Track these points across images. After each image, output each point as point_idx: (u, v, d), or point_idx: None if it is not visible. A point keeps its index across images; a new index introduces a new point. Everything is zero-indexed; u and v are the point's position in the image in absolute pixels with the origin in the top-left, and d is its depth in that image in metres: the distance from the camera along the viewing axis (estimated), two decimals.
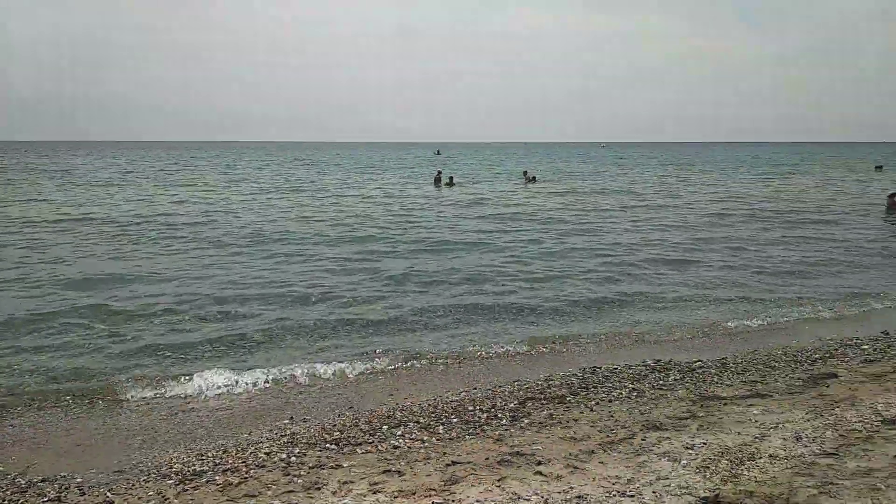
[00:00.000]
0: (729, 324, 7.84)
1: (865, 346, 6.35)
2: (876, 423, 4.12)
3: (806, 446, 3.82)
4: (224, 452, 4.34)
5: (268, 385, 5.92)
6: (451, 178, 32.34)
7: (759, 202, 23.11)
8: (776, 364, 5.89)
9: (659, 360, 6.27)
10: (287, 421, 5.05)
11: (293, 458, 4.15)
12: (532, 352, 6.89)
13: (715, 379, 5.55)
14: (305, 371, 6.18)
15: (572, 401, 5.16)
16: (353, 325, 7.82)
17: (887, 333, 6.92)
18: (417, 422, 4.85)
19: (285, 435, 4.67)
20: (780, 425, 4.21)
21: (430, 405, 5.26)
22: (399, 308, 8.52)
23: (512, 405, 5.11)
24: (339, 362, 6.43)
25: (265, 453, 4.26)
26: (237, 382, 5.90)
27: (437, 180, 31.97)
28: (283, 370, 6.18)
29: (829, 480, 3.33)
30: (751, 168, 51.76)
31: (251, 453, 4.29)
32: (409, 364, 6.54)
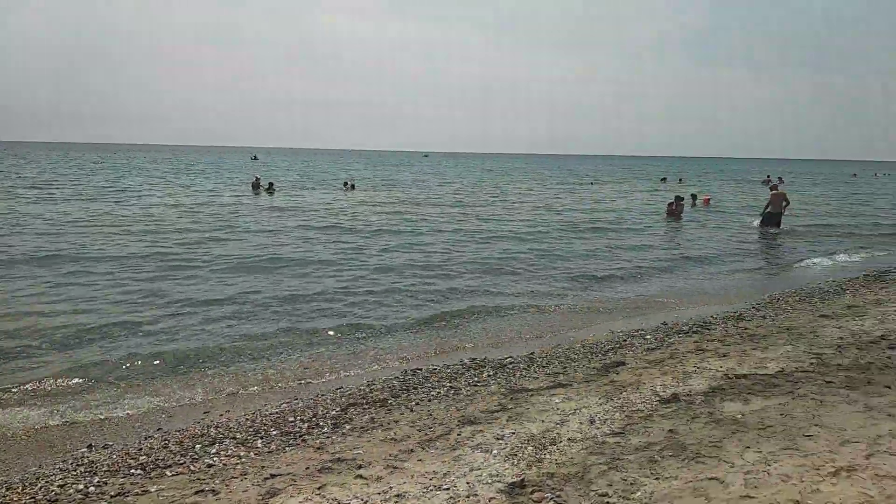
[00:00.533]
0: (538, 322, 8.52)
1: (648, 336, 7.21)
2: (655, 403, 4.70)
3: (598, 428, 4.26)
4: (8, 490, 3.84)
5: (60, 412, 5.33)
6: (270, 183, 31.39)
7: (569, 210, 25.26)
8: (575, 356, 6.49)
9: (475, 359, 6.62)
10: (85, 450, 4.58)
11: (92, 489, 3.78)
12: (356, 360, 6.92)
13: (523, 372, 5.98)
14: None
15: (393, 403, 5.26)
16: (164, 343, 7.30)
17: (666, 324, 7.92)
18: (234, 437, 4.66)
19: (83, 464, 4.23)
20: (578, 411, 4.64)
21: (248, 420, 5.07)
22: (215, 326, 8.08)
23: (334, 412, 5.09)
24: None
25: (59, 486, 3.83)
26: (22, 412, 5.23)
27: (255, 186, 30.86)
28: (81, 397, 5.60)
29: (616, 456, 3.75)
30: (563, 178, 56.56)
31: (41, 487, 3.83)
32: (226, 380, 6.26)
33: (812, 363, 5.44)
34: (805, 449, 3.65)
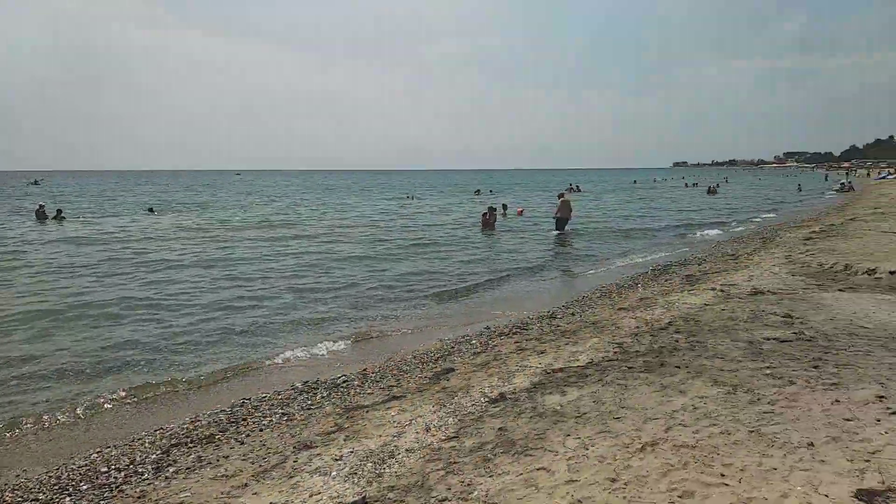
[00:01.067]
0: (368, 337, 8.55)
1: (474, 341, 7.56)
2: (484, 404, 4.94)
3: (434, 435, 4.39)
4: None
5: None
6: (58, 210, 28.13)
7: (393, 227, 25.63)
8: (408, 367, 6.62)
9: (307, 381, 6.48)
10: None
11: None
12: (174, 398, 6.42)
13: (358, 390, 5.98)
14: None
15: (222, 438, 4.98)
16: None
17: (488, 328, 8.35)
18: (36, 499, 4.12)
19: None
20: (413, 421, 4.74)
21: (51, 477, 4.50)
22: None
23: (154, 456, 4.70)
24: None
25: None
26: None
27: (40, 214, 27.44)
28: None
29: (452, 460, 3.89)
30: (382, 192, 57.21)
31: None
32: (16, 432, 5.51)
33: (615, 352, 6.06)
34: (616, 430, 4.07)
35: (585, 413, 4.43)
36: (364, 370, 6.73)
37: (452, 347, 7.35)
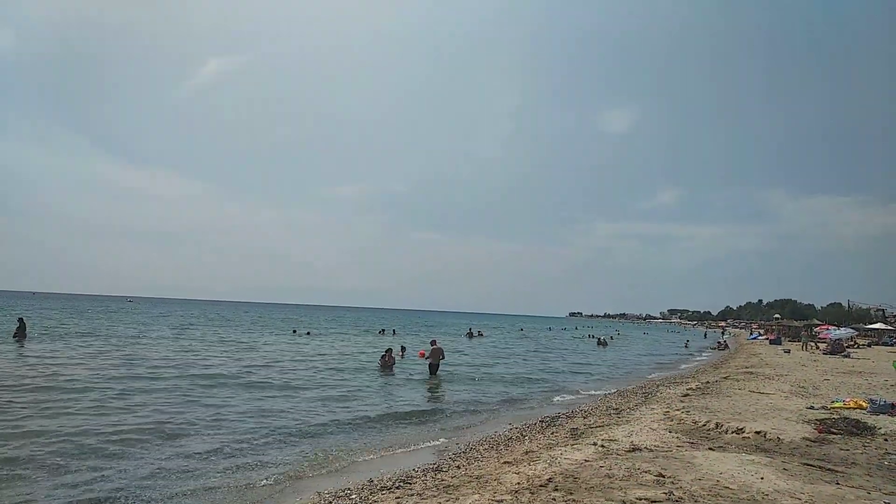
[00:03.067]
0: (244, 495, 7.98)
1: (354, 496, 7.23)
2: None
3: None
4: None
5: None
6: (20, 322, 26.27)
7: (284, 368, 24.78)
8: None
9: None
10: None
11: None
12: None
13: None
14: None
15: None
16: None
17: (371, 481, 8.05)
18: None
19: None
20: None
21: None
22: None
23: None
24: None
25: None
26: None
27: None
28: None
29: None
30: (274, 325, 55.65)
31: None
32: None
33: None
34: None
35: None
36: None
37: (330, 503, 7.00)
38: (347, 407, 14.59)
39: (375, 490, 7.49)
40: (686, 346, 56.77)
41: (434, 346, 22.58)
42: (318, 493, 7.58)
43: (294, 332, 46.70)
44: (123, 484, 7.92)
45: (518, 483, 7.12)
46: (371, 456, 10.01)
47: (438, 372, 21.93)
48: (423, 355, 30.06)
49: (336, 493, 7.51)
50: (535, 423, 12.74)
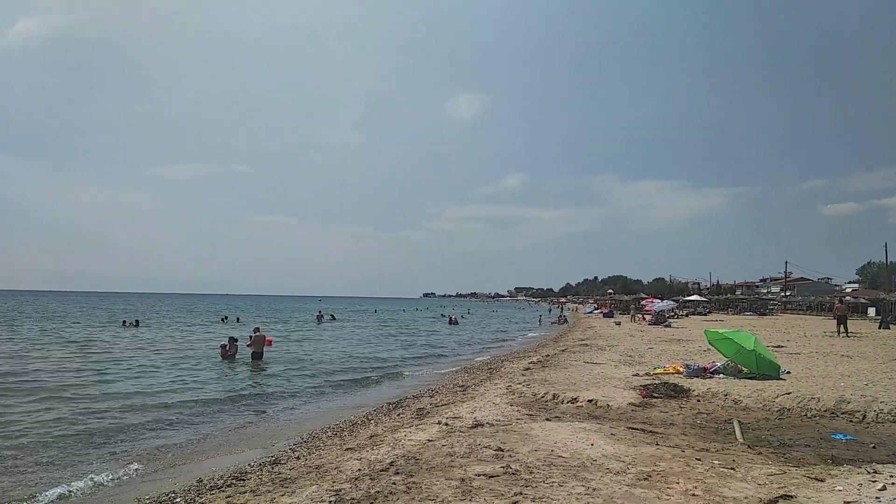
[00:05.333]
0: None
1: (178, 500, 6.62)
2: None
3: None
4: None
5: None
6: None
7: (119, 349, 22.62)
8: None
9: None
10: None
11: None
12: None
13: None
14: None
15: None
16: None
17: (200, 480, 7.43)
18: None
19: None
20: None
21: None
22: None
23: None
24: None
25: None
26: None
27: None
28: None
29: None
30: (97, 316, 50.87)
31: None
32: None
33: (331, 501, 5.72)
34: None
35: None
36: None
37: None
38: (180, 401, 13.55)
39: (204, 490, 6.90)
40: (540, 323, 59.81)
41: (257, 334, 22.55)
42: (138, 500, 6.85)
43: (136, 324, 42.40)
44: None
45: (359, 469, 6.90)
46: (202, 452, 9.31)
47: (263, 358, 21.79)
48: (270, 342, 29.01)
49: (158, 497, 6.83)
50: (382, 406, 12.62)
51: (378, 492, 5.87)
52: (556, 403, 11.12)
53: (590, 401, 11.03)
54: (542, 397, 11.66)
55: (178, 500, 6.65)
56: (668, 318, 44.40)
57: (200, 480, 7.46)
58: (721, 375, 13.41)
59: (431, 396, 13.49)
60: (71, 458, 8.87)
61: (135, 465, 8.59)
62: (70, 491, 7.44)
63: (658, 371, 14.50)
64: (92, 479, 7.90)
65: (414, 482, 6.11)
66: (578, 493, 5.51)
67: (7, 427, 10.55)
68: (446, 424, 9.23)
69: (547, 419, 9.49)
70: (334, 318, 58.62)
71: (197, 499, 6.55)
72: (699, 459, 6.85)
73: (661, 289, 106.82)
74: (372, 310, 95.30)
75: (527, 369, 16.73)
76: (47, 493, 7.30)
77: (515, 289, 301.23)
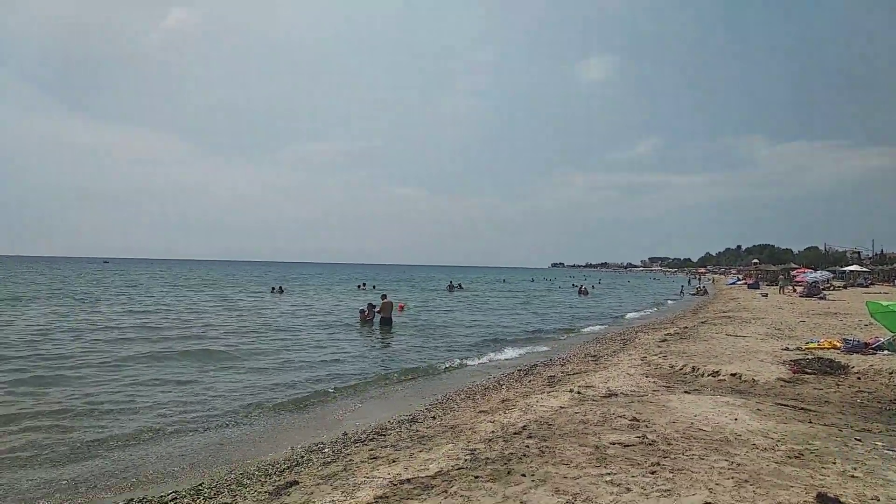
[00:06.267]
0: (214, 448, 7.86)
1: (327, 450, 7.15)
2: None
3: None
4: None
5: None
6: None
7: (259, 311, 24.63)
8: (248, 481, 6.10)
9: (132, 499, 5.78)
10: None
11: None
12: None
13: None
14: None
15: None
16: None
17: (346, 434, 7.97)
18: None
19: None
20: None
21: None
22: None
23: None
24: None
25: None
26: None
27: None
28: None
29: None
30: (244, 285, 55.28)
31: None
32: None
33: (467, 459, 5.93)
34: None
35: None
36: (199, 485, 6.12)
37: (302, 457, 6.90)
38: (334, 363, 14.49)
39: (349, 443, 7.40)
40: (682, 293, 57.15)
41: (385, 301, 23.26)
42: (292, 448, 7.48)
43: (281, 291, 46.15)
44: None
45: (492, 431, 7.06)
46: (346, 409, 9.93)
47: (392, 324, 22.48)
48: (402, 308, 30.21)
49: (310, 446, 7.42)
50: (513, 373, 12.75)
51: (512, 453, 5.99)
52: (696, 376, 10.65)
53: (733, 374, 10.46)
54: (681, 370, 11.22)
55: (326, 449, 7.18)
56: (823, 289, 40.79)
57: (346, 434, 8.00)
58: (886, 352, 12.18)
59: (562, 365, 13.43)
60: (257, 414, 9.81)
61: (288, 416, 9.37)
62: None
63: (811, 345, 13.43)
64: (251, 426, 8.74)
65: (547, 446, 6.16)
66: (721, 468, 5.29)
67: (208, 389, 11.84)
68: (578, 393, 9.17)
69: (686, 392, 9.14)
70: (462, 288, 59.65)
71: (343, 450, 7.03)
72: (859, 440, 6.31)
73: (815, 258, 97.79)
74: (500, 279, 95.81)
75: (663, 341, 16.14)
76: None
77: (650, 259, 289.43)
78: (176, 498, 5.75)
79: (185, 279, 66.39)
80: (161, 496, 5.85)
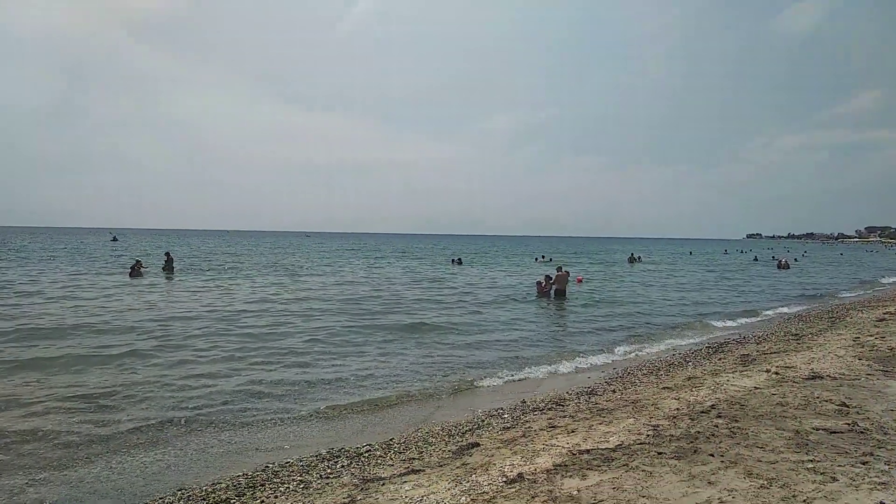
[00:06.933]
0: (396, 403, 8.44)
1: (506, 415, 7.36)
2: (500, 484, 4.75)
3: None
4: None
5: None
6: (167, 258, 31.43)
7: (447, 283, 25.72)
8: (434, 440, 6.48)
9: (331, 449, 6.43)
10: None
11: None
12: (200, 457, 6.47)
13: (379, 461, 5.88)
14: None
15: (237, 503, 4.97)
16: None
17: (524, 402, 8.12)
18: None
19: None
20: (426, 497, 4.59)
21: None
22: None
23: None
24: None
25: None
26: None
27: (137, 270, 28.93)
28: None
29: None
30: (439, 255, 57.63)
31: None
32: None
33: (649, 435, 5.76)
34: None
35: (602, 500, 4.18)
36: (390, 440, 6.63)
37: (483, 420, 7.17)
38: (505, 331, 14.80)
39: (528, 411, 7.54)
40: None
41: (559, 273, 23.21)
42: (472, 412, 7.79)
43: (452, 261, 48.45)
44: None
45: (677, 409, 6.78)
46: (529, 377, 10.09)
47: (567, 296, 22.49)
48: (580, 281, 29.78)
49: (489, 411, 7.68)
50: (701, 349, 12.05)
51: (699, 432, 5.71)
52: None
53: None
54: None
55: (505, 415, 7.39)
56: None
57: (524, 402, 8.16)
58: None
59: (758, 343, 12.42)
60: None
61: (465, 381, 9.76)
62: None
63: None
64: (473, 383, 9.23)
65: (738, 427, 5.79)
66: None
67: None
68: (776, 373, 8.45)
69: None
70: (641, 260, 57.15)
71: (521, 417, 7.19)
72: None
73: None
74: (686, 252, 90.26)
75: (881, 320, 14.24)
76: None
77: (866, 229, 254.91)
78: (370, 449, 6.29)
79: (380, 251, 71.18)
80: (356, 447, 6.43)
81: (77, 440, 6.78)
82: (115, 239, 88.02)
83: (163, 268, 31.24)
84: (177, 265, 33.23)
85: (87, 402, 8.15)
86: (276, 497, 5.04)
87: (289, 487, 5.26)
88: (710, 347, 12.30)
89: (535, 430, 6.39)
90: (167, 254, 32.88)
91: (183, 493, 5.34)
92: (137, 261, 30.65)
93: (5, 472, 5.88)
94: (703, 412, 6.53)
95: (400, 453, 6.08)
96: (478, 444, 6.04)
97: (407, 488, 4.89)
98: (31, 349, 11.32)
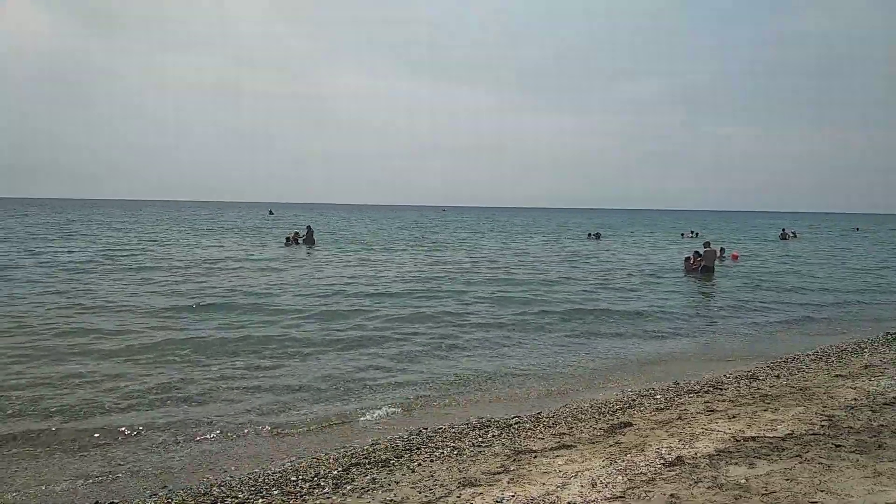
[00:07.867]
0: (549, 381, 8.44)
1: (658, 396, 7.11)
2: (659, 466, 4.62)
3: (599, 491, 4.19)
4: None
5: None
6: (308, 229, 32.71)
7: (587, 260, 25.26)
8: (583, 416, 6.42)
9: (481, 419, 6.57)
10: None
11: None
12: (362, 418, 6.89)
13: (529, 433, 5.92)
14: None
15: (396, 463, 5.23)
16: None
17: (677, 384, 7.80)
18: (236, 497, 4.66)
19: None
20: (580, 473, 4.58)
21: (250, 479, 5.08)
22: (222, 379, 8.18)
23: (336, 472, 5.07)
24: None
25: None
26: None
27: (293, 240, 31.60)
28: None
29: None
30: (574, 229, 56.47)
31: None
32: (230, 436, 6.30)
33: (823, 426, 5.32)
34: None
35: (774, 492, 3.93)
36: (538, 414, 6.65)
37: (633, 400, 6.99)
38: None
39: (682, 392, 7.24)
40: None
41: (707, 249, 22.23)
42: (622, 390, 7.62)
43: (589, 235, 47.81)
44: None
45: (855, 399, 6.20)
46: (680, 358, 9.70)
47: (715, 273, 21.53)
48: (735, 258, 27.91)
49: (640, 392, 7.47)
50: (878, 336, 10.88)
51: (882, 426, 5.20)
52: None
53: None
54: None
55: (657, 396, 7.14)
56: None
57: (677, 383, 7.84)
58: None
59: None
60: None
61: (614, 360, 9.56)
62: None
63: None
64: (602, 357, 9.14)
65: None
66: None
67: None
68: None
69: None
70: (795, 236, 52.16)
71: (675, 398, 6.91)
72: None
73: None
74: (851, 228, 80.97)
75: None
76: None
77: None
78: (519, 422, 6.36)
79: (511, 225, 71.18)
80: (506, 419, 6.52)
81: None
82: (271, 212, 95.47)
83: (304, 240, 32.69)
84: (342, 239, 35.59)
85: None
86: (431, 461, 5.24)
87: (443, 452, 5.45)
88: (889, 334, 11.06)
89: (691, 413, 6.13)
90: (308, 227, 34.84)
91: (346, 451, 5.72)
92: (296, 232, 33.15)
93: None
94: (887, 404, 5.94)
95: (549, 427, 6.09)
96: (630, 424, 5.90)
97: (560, 462, 4.89)
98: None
